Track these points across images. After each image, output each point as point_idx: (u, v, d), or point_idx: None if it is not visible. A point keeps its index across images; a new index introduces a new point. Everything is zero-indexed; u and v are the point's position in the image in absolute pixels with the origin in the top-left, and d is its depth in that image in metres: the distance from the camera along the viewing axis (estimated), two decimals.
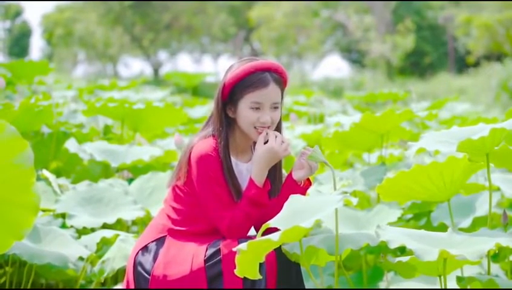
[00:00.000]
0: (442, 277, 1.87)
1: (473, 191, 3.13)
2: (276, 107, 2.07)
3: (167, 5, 28.30)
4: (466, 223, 2.73)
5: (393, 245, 1.69)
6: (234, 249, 1.73)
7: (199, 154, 2.03)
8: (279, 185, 2.14)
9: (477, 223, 2.77)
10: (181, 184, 2.11)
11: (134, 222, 3.40)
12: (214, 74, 16.96)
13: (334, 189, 1.95)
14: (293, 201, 1.86)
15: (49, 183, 2.97)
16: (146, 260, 2.06)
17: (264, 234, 1.75)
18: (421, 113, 3.31)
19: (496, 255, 2.76)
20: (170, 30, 29.92)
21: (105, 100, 3.95)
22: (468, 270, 2.45)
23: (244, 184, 2.09)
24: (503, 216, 2.09)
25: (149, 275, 2.03)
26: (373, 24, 24.94)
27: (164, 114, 3.92)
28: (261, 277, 1.77)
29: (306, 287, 2.06)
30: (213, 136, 2.08)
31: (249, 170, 2.12)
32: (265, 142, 2.05)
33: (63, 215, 2.89)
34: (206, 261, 1.97)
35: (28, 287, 2.59)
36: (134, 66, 57.62)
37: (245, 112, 2.04)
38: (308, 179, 2.12)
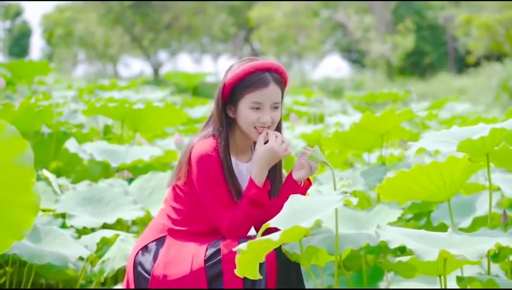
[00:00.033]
0: (442, 277, 1.87)
1: (473, 191, 3.13)
2: (276, 107, 2.07)
3: (167, 5, 28.28)
4: (466, 223, 2.73)
5: (393, 245, 1.69)
6: (234, 249, 1.73)
7: (199, 154, 2.03)
8: (279, 185, 2.14)
9: (477, 223, 2.77)
10: (181, 184, 2.11)
11: (134, 222, 3.40)
12: (214, 74, 16.95)
13: (334, 189, 1.96)
14: (293, 201, 1.86)
15: (49, 183, 2.97)
16: (146, 260, 2.06)
17: (264, 234, 1.75)
18: (421, 113, 3.30)
19: (496, 255, 2.76)
20: (170, 30, 29.90)
21: (105, 100, 3.94)
22: (468, 270, 2.45)
23: (244, 184, 2.09)
24: (503, 216, 2.09)
25: (149, 275, 2.03)
26: (373, 24, 24.93)
27: (164, 114, 3.92)
28: (261, 277, 1.77)
29: (306, 287, 2.06)
30: (214, 136, 2.08)
31: (249, 170, 2.12)
32: (266, 142, 2.05)
33: (63, 215, 2.89)
34: (206, 261, 1.97)
35: (28, 287, 2.59)
36: (134, 66, 57.62)
37: (245, 112, 2.04)
38: (308, 179, 2.12)
